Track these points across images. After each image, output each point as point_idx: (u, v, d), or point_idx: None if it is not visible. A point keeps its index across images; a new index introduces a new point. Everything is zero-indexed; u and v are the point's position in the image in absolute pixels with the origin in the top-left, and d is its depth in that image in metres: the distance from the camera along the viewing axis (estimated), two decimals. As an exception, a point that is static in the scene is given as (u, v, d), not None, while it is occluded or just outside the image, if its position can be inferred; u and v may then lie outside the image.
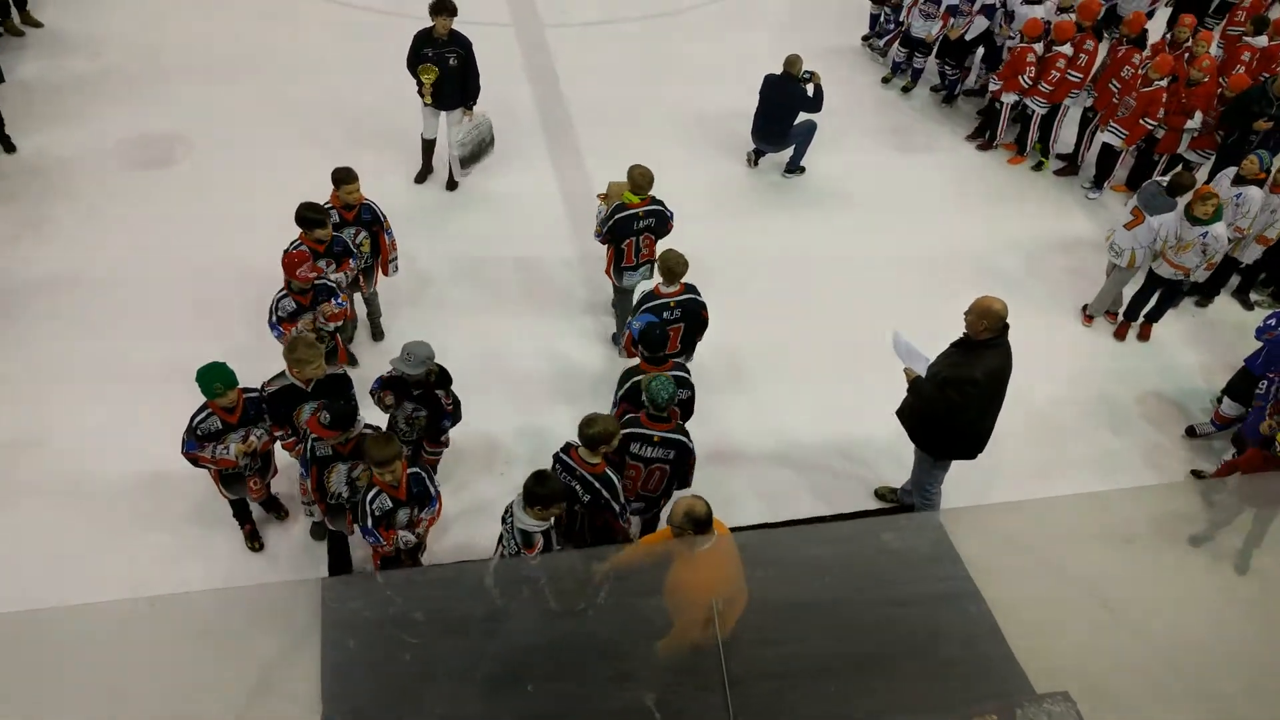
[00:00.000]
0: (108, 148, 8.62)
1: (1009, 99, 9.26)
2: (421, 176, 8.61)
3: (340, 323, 5.88)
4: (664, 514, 5.03)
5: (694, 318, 6.11)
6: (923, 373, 5.32)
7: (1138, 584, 5.08)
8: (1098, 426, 6.97)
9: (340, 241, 6.16)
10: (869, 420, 6.45)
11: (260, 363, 5.38)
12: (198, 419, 4.99)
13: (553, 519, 4.45)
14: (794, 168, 9.10)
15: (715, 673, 4.13)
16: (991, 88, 9.45)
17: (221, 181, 8.33)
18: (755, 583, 4.36)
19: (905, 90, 10.55)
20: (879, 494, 6.31)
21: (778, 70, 8.55)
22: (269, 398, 5.11)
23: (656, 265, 6.22)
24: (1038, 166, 9.51)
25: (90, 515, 5.72)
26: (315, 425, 4.82)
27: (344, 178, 6.24)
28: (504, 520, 4.58)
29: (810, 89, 8.53)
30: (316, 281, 5.71)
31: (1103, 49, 9.32)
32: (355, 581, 4.92)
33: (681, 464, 5.13)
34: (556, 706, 4.30)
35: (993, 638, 4.83)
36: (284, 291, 5.71)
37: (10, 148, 8.48)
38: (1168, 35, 9.32)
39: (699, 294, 6.12)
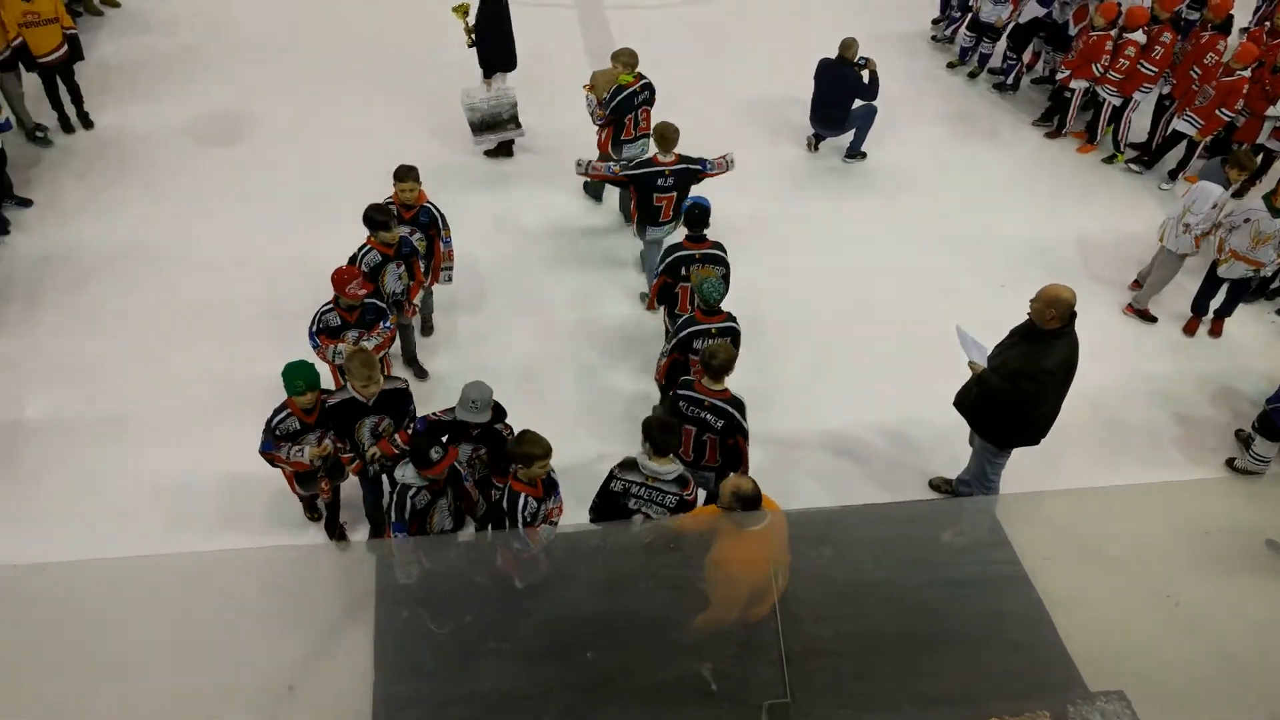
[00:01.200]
0: (181, 125, 8.87)
1: (1079, 85, 9.00)
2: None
3: (383, 352, 5.61)
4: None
5: (685, 189, 6.76)
6: (983, 364, 5.22)
7: (1198, 580, 4.92)
8: (1160, 422, 6.78)
9: (408, 243, 5.98)
10: (924, 408, 6.37)
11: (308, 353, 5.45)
12: (276, 419, 4.92)
13: None
14: (854, 153, 8.97)
15: (773, 646, 4.15)
16: (1059, 75, 9.18)
17: (290, 160, 8.51)
18: (816, 560, 4.38)
19: (971, 76, 10.32)
20: (934, 484, 6.22)
21: (816, 68, 8.49)
22: (329, 410, 4.98)
23: (652, 136, 6.83)
24: (1110, 159, 9.21)
25: (147, 487, 5.89)
26: (436, 468, 4.49)
27: (402, 175, 6.06)
28: (628, 493, 4.63)
29: (865, 75, 8.39)
30: (365, 300, 5.50)
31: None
32: (413, 546, 4.94)
33: (736, 347, 5.54)
34: (613, 674, 4.33)
35: (1044, 629, 4.77)
36: (330, 305, 5.49)
37: (88, 124, 8.78)
38: (1267, 23, 8.92)
39: (694, 163, 6.74)
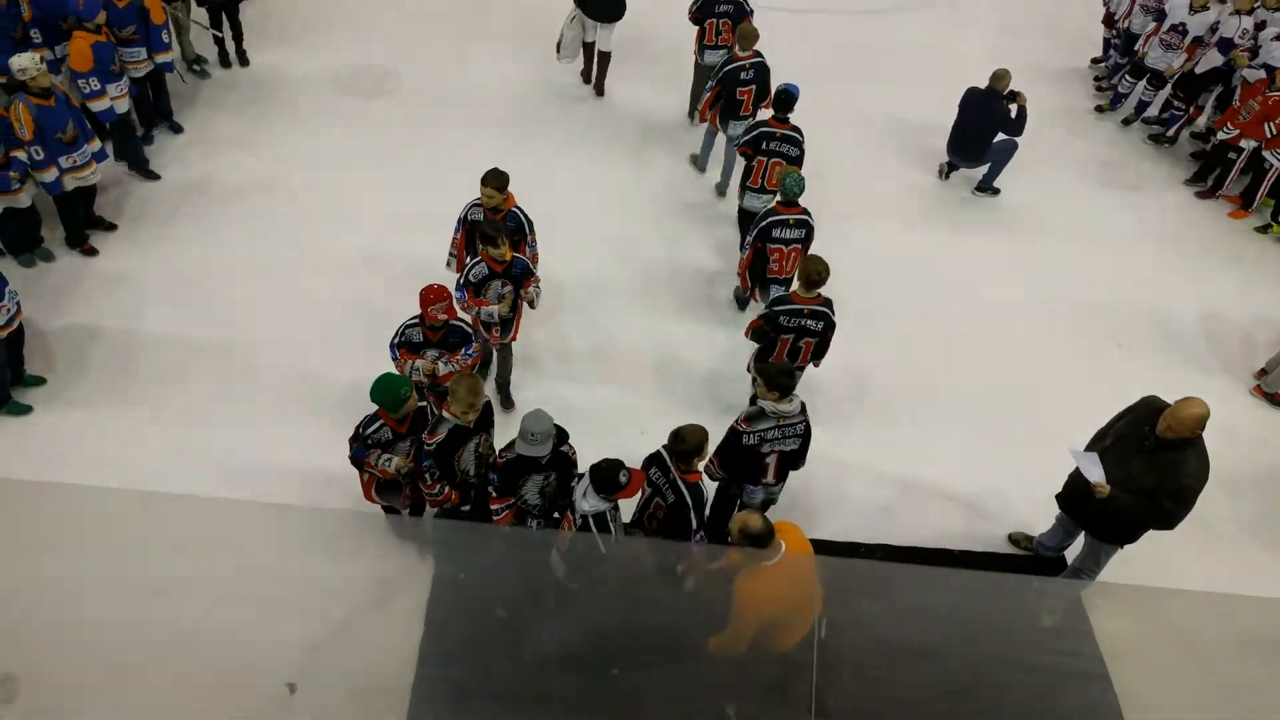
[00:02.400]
0: (329, 72, 9.23)
1: (1248, 145, 8.40)
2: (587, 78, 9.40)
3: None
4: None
5: (763, 84, 7.59)
6: (1097, 476, 4.83)
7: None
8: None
9: (520, 263, 5.75)
10: (1005, 464, 6.21)
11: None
12: (370, 430, 4.80)
13: None
14: (986, 187, 8.65)
15: (804, 698, 4.02)
16: (1223, 135, 8.59)
17: (425, 119, 8.73)
18: (867, 616, 4.19)
19: (1125, 123, 9.78)
20: (1013, 539, 5.97)
21: (963, 96, 8.22)
22: (438, 450, 4.74)
23: (735, 35, 7.74)
24: (1264, 229, 8.62)
25: (247, 413, 6.17)
26: (626, 492, 4.43)
27: (484, 180, 5.84)
28: (763, 441, 4.86)
29: (1014, 110, 8.06)
30: (451, 323, 5.35)
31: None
32: (478, 529, 4.95)
33: (809, 241, 6.34)
34: (632, 695, 4.24)
35: (1115, 732, 4.44)
36: (415, 320, 5.32)
37: (245, 61, 9.22)
38: None
39: (765, 60, 7.58)
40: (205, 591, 4.26)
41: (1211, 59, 8.90)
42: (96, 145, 6.93)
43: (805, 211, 6.31)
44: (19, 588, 4.22)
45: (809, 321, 5.66)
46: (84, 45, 6.90)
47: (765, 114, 7.19)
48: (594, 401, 6.35)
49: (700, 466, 4.64)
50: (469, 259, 5.90)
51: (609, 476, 4.37)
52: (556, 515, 4.93)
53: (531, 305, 5.89)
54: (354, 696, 4.39)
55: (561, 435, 4.77)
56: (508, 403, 6.36)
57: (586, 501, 4.42)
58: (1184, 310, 7.71)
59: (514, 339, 6.10)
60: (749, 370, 5.97)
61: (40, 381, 6.24)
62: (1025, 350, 7.11)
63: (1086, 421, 5.24)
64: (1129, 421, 4.95)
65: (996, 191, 8.65)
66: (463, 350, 5.40)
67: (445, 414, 4.71)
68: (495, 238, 5.55)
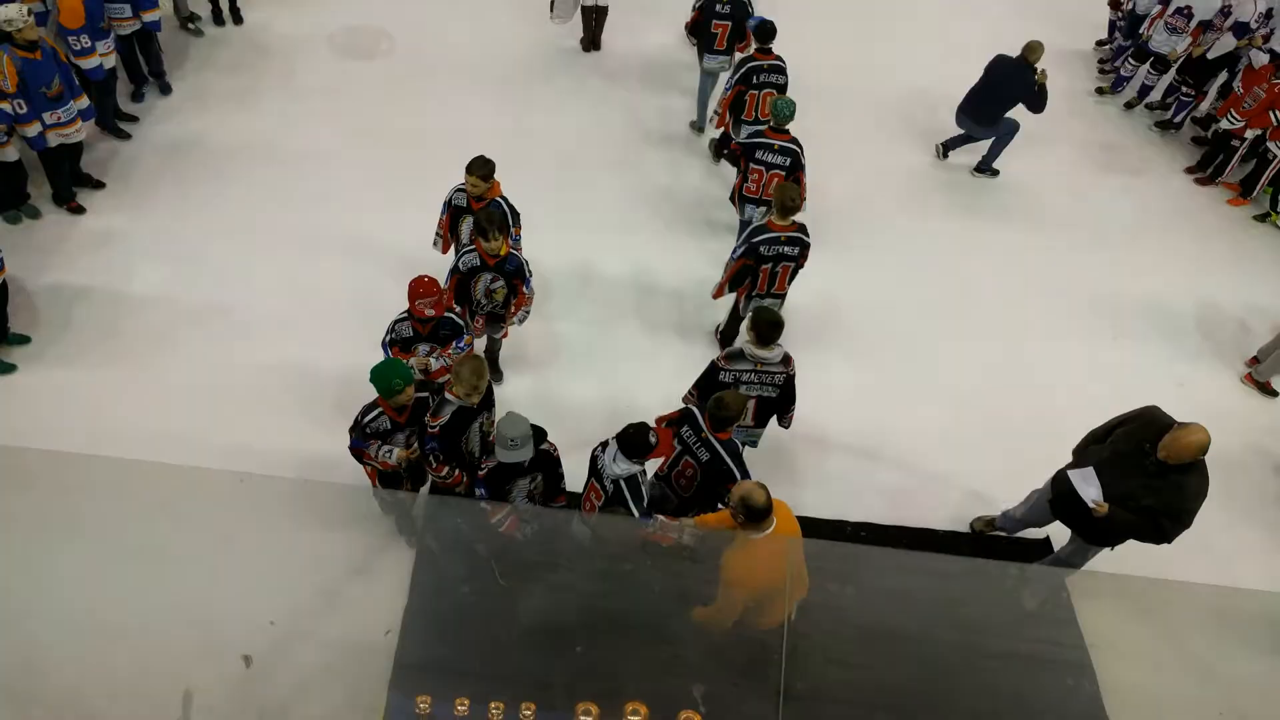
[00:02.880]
0: (323, 33, 9.10)
1: (1250, 134, 8.32)
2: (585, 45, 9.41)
3: (445, 377, 5.01)
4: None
5: (739, 21, 7.79)
6: (1094, 495, 4.77)
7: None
8: (1273, 503, 6.30)
9: (514, 260, 5.55)
10: (996, 448, 6.19)
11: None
12: (368, 418, 4.69)
13: None
14: (985, 168, 8.57)
15: (773, 680, 3.98)
16: (1227, 125, 8.48)
17: (420, 80, 8.62)
18: (841, 599, 4.16)
19: (1128, 106, 9.69)
20: (974, 529, 5.90)
21: (991, 61, 8.09)
22: (443, 432, 4.62)
23: None
24: (1263, 218, 8.57)
25: (235, 386, 6.07)
26: (658, 450, 4.46)
27: (469, 168, 5.62)
28: (739, 381, 4.97)
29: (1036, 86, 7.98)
30: (441, 315, 5.17)
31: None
32: (464, 503, 4.82)
33: (794, 170, 6.48)
34: (600, 674, 4.18)
35: (1096, 723, 4.39)
36: (404, 315, 5.16)
37: (239, 19, 9.07)
38: None
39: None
40: (183, 560, 4.23)
41: (1225, 44, 8.78)
42: (84, 103, 6.80)
43: (793, 140, 6.46)
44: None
45: (786, 248, 5.84)
46: (75, 1, 6.76)
47: (743, 56, 7.39)
48: (592, 379, 6.36)
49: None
50: (459, 244, 5.81)
51: (639, 440, 4.34)
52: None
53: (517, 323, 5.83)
54: (335, 668, 4.39)
55: (539, 434, 4.57)
56: (496, 375, 6.31)
57: (617, 466, 4.39)
58: (1179, 297, 7.68)
59: (504, 336, 6.04)
60: (715, 297, 6.25)
61: (25, 340, 6.18)
62: (1019, 333, 7.09)
63: (1077, 407, 5.22)
64: (1128, 435, 4.84)
65: (995, 173, 8.58)
66: (454, 344, 5.24)
67: (449, 395, 4.61)
68: (487, 230, 5.34)
